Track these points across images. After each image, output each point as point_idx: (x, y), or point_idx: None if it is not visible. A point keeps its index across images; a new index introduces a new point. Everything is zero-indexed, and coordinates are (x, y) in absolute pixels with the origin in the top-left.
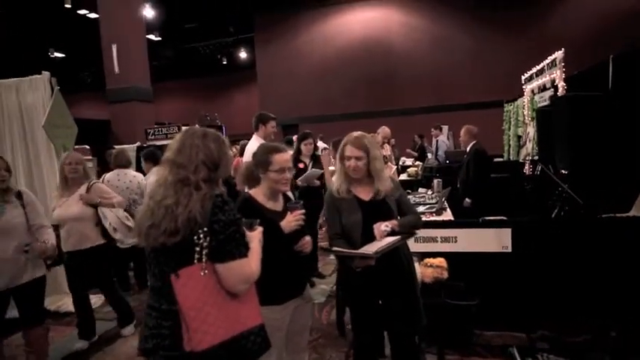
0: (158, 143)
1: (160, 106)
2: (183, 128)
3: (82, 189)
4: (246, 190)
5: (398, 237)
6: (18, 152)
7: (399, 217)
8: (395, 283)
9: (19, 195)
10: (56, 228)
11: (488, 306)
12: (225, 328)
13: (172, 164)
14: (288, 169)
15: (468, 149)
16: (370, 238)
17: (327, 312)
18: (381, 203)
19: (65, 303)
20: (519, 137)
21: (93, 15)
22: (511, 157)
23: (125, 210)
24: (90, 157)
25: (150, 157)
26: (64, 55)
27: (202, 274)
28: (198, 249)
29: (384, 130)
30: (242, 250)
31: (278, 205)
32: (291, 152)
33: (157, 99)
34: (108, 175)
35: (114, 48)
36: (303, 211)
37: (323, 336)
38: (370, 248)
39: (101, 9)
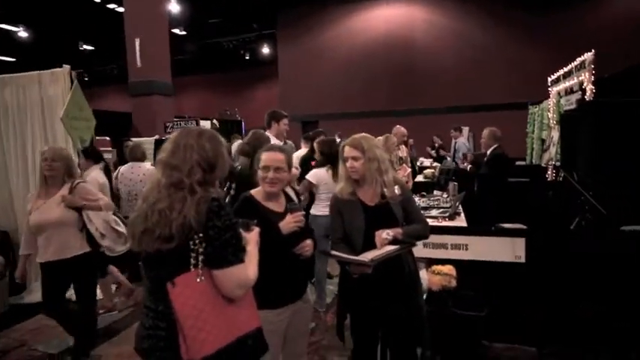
0: None
1: (182, 99)
2: (202, 123)
3: (64, 190)
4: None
5: (398, 246)
6: (37, 143)
7: (404, 224)
8: (395, 290)
9: None
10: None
11: (498, 318)
12: (223, 335)
13: (166, 166)
14: (275, 169)
15: (488, 152)
16: (372, 244)
17: (332, 314)
18: (385, 209)
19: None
20: (543, 141)
21: (121, 9)
22: (534, 161)
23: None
24: (110, 149)
25: (91, 154)
26: (93, 48)
27: (199, 280)
28: (194, 254)
29: (399, 130)
30: (239, 255)
31: (279, 207)
32: (282, 155)
33: (180, 92)
34: (122, 168)
35: (137, 42)
36: (302, 212)
37: (327, 338)
38: (368, 255)
39: (127, 3)
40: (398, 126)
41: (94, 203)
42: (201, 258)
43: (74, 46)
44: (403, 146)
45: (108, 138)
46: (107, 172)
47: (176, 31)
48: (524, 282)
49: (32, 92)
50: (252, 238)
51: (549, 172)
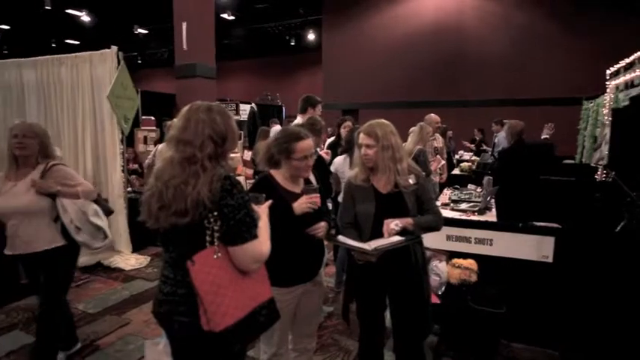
0: None
1: (228, 83)
2: (242, 107)
3: (37, 172)
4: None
5: (403, 238)
6: (87, 120)
7: (418, 215)
8: (399, 280)
9: None
10: None
11: (520, 317)
12: (241, 307)
13: (178, 142)
14: (310, 155)
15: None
16: (380, 231)
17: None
18: (397, 197)
19: (116, 260)
20: (595, 139)
21: None
22: (584, 160)
23: None
24: (154, 128)
25: None
26: (147, 32)
27: (215, 256)
28: (209, 232)
29: (432, 118)
30: (253, 231)
31: (296, 188)
32: (312, 140)
33: (226, 76)
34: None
35: (184, 25)
36: (317, 195)
37: (343, 324)
38: (372, 244)
39: None
40: (431, 114)
41: (71, 189)
42: (216, 235)
43: (130, 30)
44: (439, 136)
45: (153, 118)
46: None
47: (224, 15)
48: (551, 282)
49: (84, 71)
50: (263, 211)
51: (599, 172)
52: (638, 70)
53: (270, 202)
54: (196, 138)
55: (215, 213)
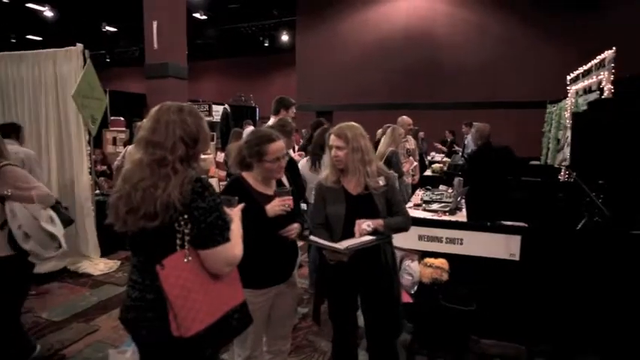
0: None
1: (202, 83)
2: (215, 107)
3: None
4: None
5: (374, 237)
6: (51, 119)
7: (387, 216)
8: (370, 281)
9: None
10: None
11: (489, 314)
12: (212, 311)
13: (148, 144)
14: (282, 157)
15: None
16: (351, 232)
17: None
18: (367, 199)
19: (83, 265)
20: (559, 141)
21: None
22: (548, 162)
23: None
24: (124, 129)
25: (12, 130)
26: (116, 30)
27: (186, 260)
28: (179, 235)
29: (404, 120)
30: (225, 234)
31: (269, 190)
32: (282, 140)
33: (198, 77)
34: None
35: (154, 24)
36: (290, 197)
37: (315, 324)
38: (344, 243)
39: None
40: (403, 116)
41: (24, 193)
42: (187, 239)
43: (97, 27)
44: (411, 138)
45: (122, 118)
46: None
47: (197, 15)
48: (518, 280)
49: (47, 69)
50: (235, 214)
51: (562, 173)
52: (595, 77)
53: (242, 205)
54: (167, 140)
55: (185, 216)
